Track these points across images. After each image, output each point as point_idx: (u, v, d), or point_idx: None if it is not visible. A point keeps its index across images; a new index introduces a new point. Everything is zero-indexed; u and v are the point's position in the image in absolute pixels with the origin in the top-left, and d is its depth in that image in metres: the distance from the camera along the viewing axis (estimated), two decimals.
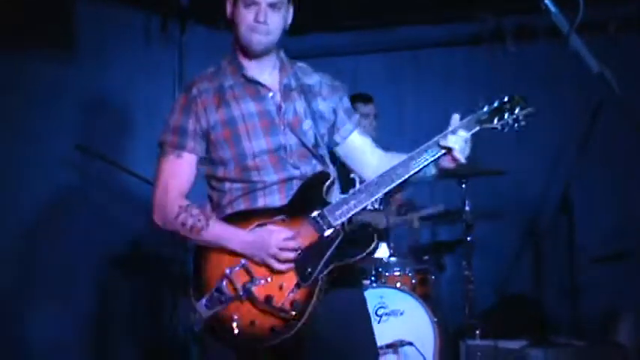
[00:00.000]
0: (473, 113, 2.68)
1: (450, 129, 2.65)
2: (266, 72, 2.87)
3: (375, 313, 4.55)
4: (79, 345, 5.01)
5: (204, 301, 2.76)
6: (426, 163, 2.68)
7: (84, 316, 5.01)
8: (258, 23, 2.75)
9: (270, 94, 2.85)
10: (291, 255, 2.73)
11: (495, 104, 2.68)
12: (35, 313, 4.84)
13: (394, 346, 4.49)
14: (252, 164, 2.81)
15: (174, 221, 2.82)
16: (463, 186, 4.89)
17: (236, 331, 2.71)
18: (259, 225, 2.81)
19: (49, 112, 4.74)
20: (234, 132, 2.81)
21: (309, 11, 5.21)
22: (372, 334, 2.96)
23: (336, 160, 3.19)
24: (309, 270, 2.70)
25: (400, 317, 4.59)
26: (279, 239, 2.74)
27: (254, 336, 2.71)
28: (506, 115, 2.66)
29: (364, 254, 2.74)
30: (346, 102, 3.02)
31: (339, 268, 2.74)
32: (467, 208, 4.88)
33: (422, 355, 4.49)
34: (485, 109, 2.68)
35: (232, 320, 2.73)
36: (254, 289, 2.74)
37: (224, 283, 2.76)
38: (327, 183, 2.81)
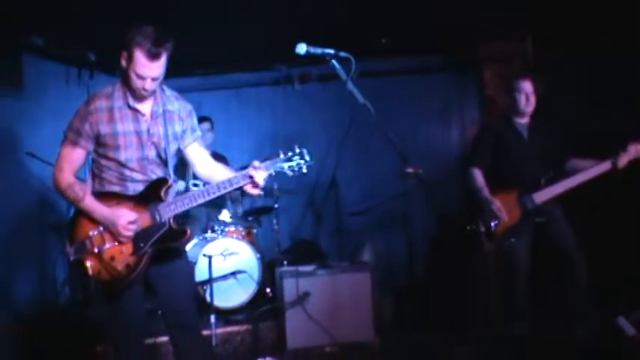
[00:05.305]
0: (272, 159, 3.18)
1: (253, 168, 3.11)
2: (144, 101, 3.18)
3: (222, 254, 5.36)
4: None
5: (73, 247, 3.12)
6: (235, 187, 3.12)
7: None
8: (145, 91, 3.10)
9: (144, 119, 3.16)
10: (131, 232, 3.07)
11: (289, 154, 3.18)
12: None
13: (234, 274, 5.42)
14: (125, 165, 3.15)
15: (63, 191, 3.14)
16: (273, 173, 5.08)
17: (90, 272, 3.09)
18: (117, 203, 3.12)
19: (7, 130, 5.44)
20: (116, 142, 3.13)
21: (173, 63, 6.35)
22: (191, 285, 3.41)
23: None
24: (142, 245, 3.08)
25: (237, 255, 5.48)
26: (126, 220, 3.06)
27: (100, 278, 3.10)
28: (294, 164, 3.18)
29: (177, 244, 3.18)
30: (193, 123, 3.34)
31: (164, 246, 3.13)
32: (275, 187, 5.86)
33: (252, 278, 5.47)
34: (282, 156, 3.18)
35: (87, 266, 3.08)
36: (104, 249, 3.10)
37: (86, 241, 3.11)
38: (165, 187, 3.16)
